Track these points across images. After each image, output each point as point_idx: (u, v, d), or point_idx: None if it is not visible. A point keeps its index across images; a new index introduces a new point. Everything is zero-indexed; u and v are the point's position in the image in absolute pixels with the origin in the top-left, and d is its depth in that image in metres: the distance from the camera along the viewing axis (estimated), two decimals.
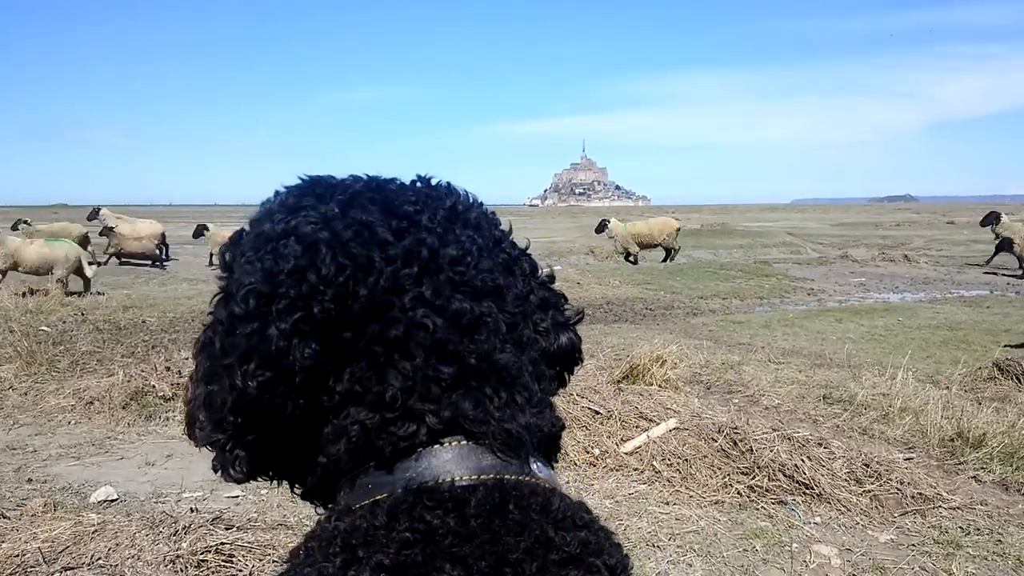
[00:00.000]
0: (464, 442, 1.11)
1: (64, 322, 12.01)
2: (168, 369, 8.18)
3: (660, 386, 7.77)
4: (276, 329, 1.05)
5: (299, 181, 1.22)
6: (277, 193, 1.21)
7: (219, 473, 1.16)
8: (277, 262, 1.07)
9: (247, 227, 1.18)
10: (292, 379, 1.08)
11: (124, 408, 7.37)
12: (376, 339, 1.08)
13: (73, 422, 7.15)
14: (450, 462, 1.09)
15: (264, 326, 1.06)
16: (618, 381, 7.88)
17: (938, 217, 66.78)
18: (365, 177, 1.23)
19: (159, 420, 7.16)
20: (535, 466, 1.15)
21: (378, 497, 1.08)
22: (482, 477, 1.09)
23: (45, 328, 11.30)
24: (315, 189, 1.18)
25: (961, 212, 75.47)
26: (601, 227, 28.21)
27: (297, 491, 1.27)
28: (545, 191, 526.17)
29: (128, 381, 7.81)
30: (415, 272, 1.12)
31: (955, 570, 4.51)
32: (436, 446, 1.10)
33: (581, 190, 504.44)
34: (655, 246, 27.64)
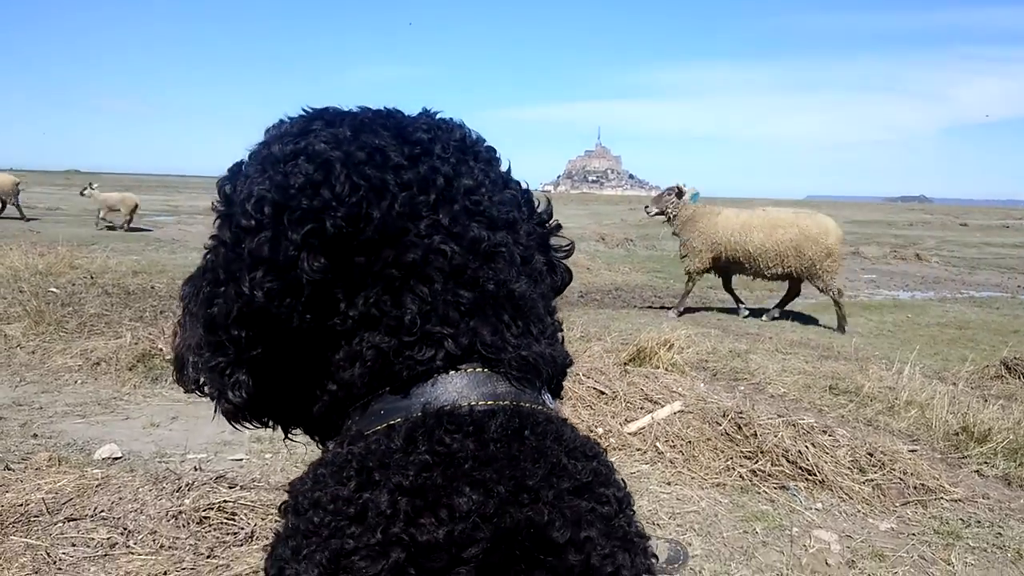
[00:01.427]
0: (481, 368, 1.11)
1: (73, 284, 12.05)
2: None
3: (666, 369, 7.77)
4: (286, 239, 1.05)
5: (304, 111, 1.21)
6: (282, 121, 1.21)
7: (216, 402, 1.16)
8: (288, 177, 1.08)
9: (246, 157, 1.17)
10: (300, 292, 1.07)
11: (130, 370, 7.40)
12: (392, 263, 1.08)
13: (79, 381, 7.18)
14: (468, 387, 1.10)
15: (274, 235, 1.05)
16: (625, 363, 7.88)
17: (951, 219, 66.46)
18: (373, 107, 1.23)
19: (165, 383, 7.18)
20: (546, 397, 1.16)
21: (393, 422, 1.08)
22: (500, 403, 1.09)
23: (54, 290, 11.33)
24: (323, 116, 1.18)
25: (975, 215, 75.18)
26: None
27: (294, 433, 1.29)
28: (558, 177, 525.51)
29: (135, 344, 7.84)
30: (431, 199, 1.12)
31: (954, 560, 4.51)
32: (453, 371, 1.10)
33: (594, 178, 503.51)
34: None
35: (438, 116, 1.24)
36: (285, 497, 1.15)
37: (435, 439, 1.05)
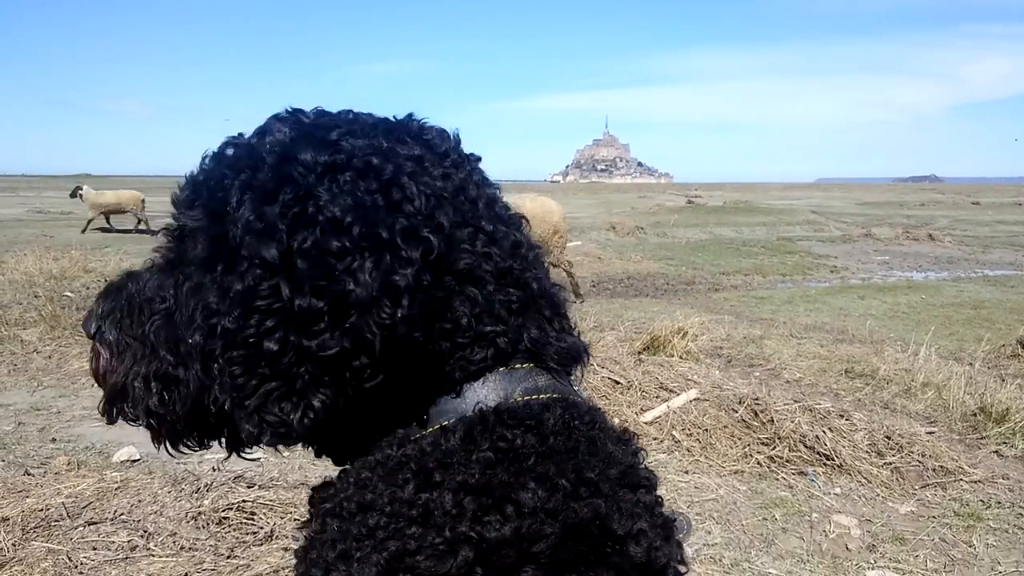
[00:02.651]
0: (530, 364, 1.15)
1: (87, 288, 12.09)
2: None
3: (681, 357, 7.75)
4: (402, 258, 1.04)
5: (317, 120, 1.19)
6: (311, 134, 1.15)
7: (259, 430, 1.07)
8: (371, 195, 1.07)
9: (317, 157, 1.11)
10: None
11: None
12: (448, 270, 1.10)
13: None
14: (521, 383, 1.13)
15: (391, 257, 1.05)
16: (639, 352, 7.87)
17: (963, 198, 66.09)
18: (374, 115, 1.23)
19: None
20: (577, 386, 1.22)
21: (445, 423, 1.10)
22: (552, 396, 1.13)
23: (69, 294, 11.39)
24: (340, 125, 1.16)
25: (987, 193, 74.79)
26: (74, 193, 27.85)
27: (304, 449, 1.25)
28: (567, 167, 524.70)
29: None
30: (470, 207, 1.15)
31: (975, 542, 4.49)
32: (503, 368, 1.13)
33: (603, 166, 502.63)
34: (123, 213, 27.33)
35: (427, 123, 1.25)
36: (304, 495, 1.15)
37: (497, 435, 1.08)
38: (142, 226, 25.77)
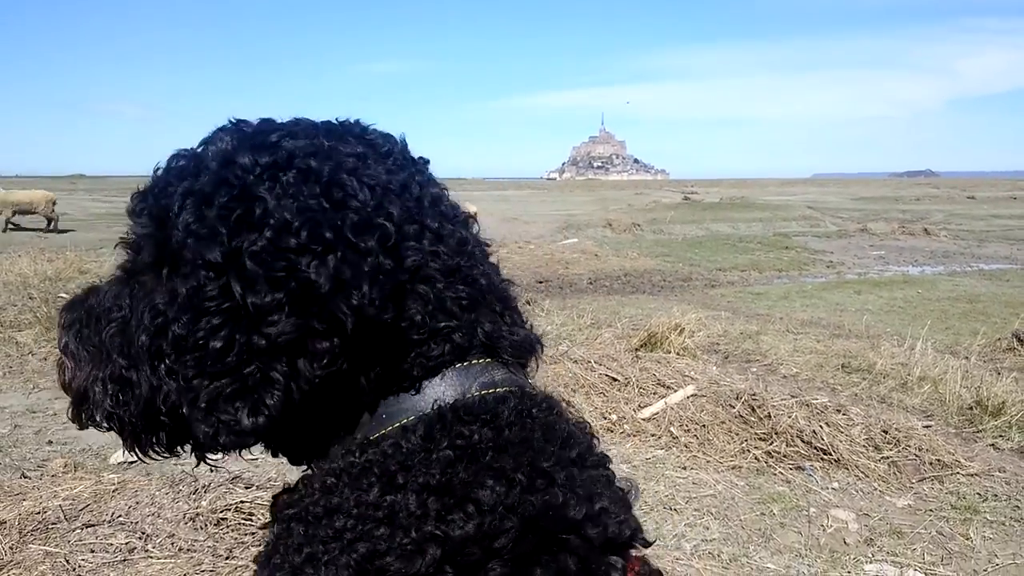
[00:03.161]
0: (486, 358, 1.17)
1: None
2: None
3: (678, 354, 7.76)
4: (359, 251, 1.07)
5: (274, 122, 1.21)
6: (257, 139, 1.17)
7: (215, 431, 1.07)
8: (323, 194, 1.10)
9: (282, 159, 1.12)
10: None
11: None
12: (398, 267, 1.11)
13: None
14: (477, 377, 1.15)
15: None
16: (636, 349, 7.88)
17: (958, 192, 66.18)
18: (313, 119, 1.25)
19: None
20: (531, 378, 1.25)
21: (405, 421, 1.12)
22: (507, 388, 1.16)
23: (64, 295, 11.36)
24: (294, 130, 1.19)
25: (982, 187, 74.91)
26: None
27: (283, 458, 1.27)
28: (563, 164, 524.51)
29: None
30: (415, 206, 1.16)
31: (972, 535, 4.50)
32: (460, 364, 1.15)
33: (599, 164, 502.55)
34: (33, 213, 27.39)
35: (371, 126, 1.27)
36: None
37: (455, 433, 1.09)
38: (51, 226, 26.29)
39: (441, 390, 1.13)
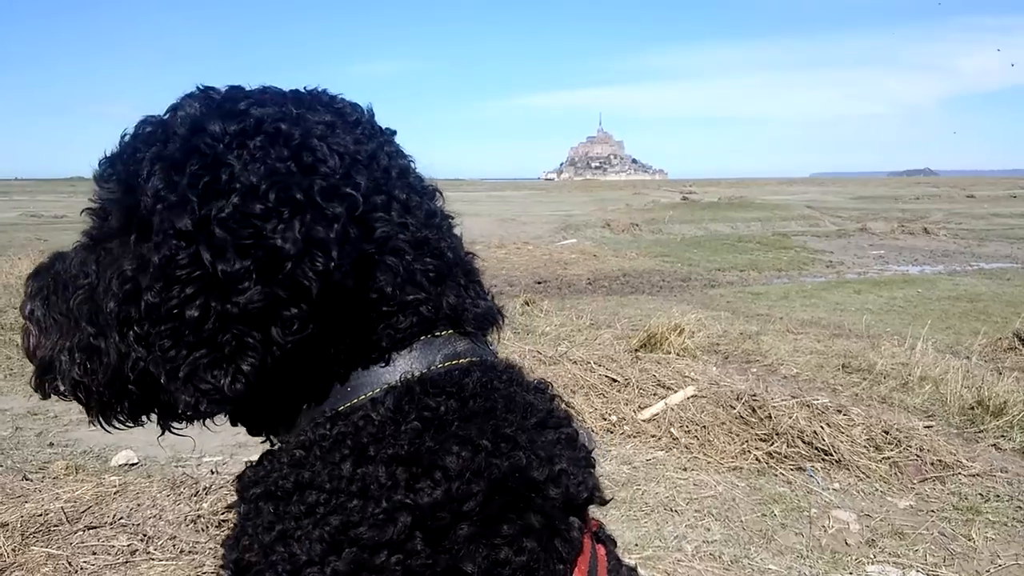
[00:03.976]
0: (450, 330, 1.21)
1: None
2: None
3: (678, 354, 7.76)
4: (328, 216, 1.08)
5: (232, 93, 1.22)
6: (234, 103, 1.18)
7: (196, 399, 1.08)
8: (294, 157, 1.12)
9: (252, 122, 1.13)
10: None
11: None
12: (365, 238, 1.14)
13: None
14: (441, 349, 1.19)
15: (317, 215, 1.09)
16: (636, 350, 7.88)
17: (958, 191, 66.19)
18: (277, 88, 1.26)
19: None
20: (493, 346, 1.30)
21: (373, 394, 1.15)
22: (471, 359, 1.20)
23: None
24: (264, 98, 1.20)
25: (981, 186, 74.94)
26: None
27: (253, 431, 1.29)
28: (561, 165, 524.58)
29: None
30: (384, 176, 1.19)
31: (974, 535, 4.50)
32: (426, 336, 1.19)
33: (597, 164, 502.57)
34: None
35: (339, 95, 1.29)
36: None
37: (422, 405, 1.12)
38: None
39: (409, 362, 1.16)
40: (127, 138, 1.22)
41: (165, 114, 1.20)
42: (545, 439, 1.17)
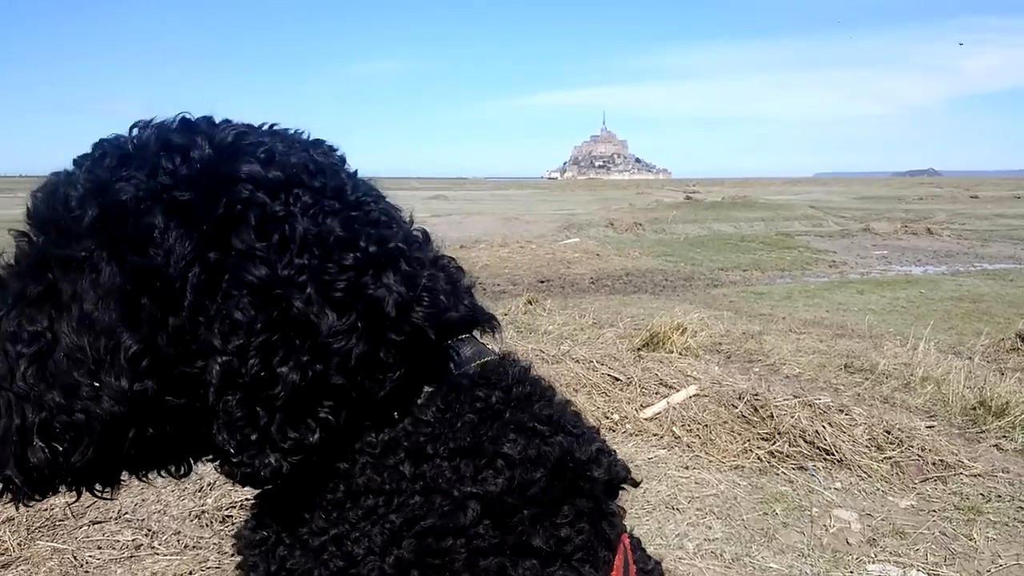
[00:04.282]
0: (468, 334, 1.26)
1: None
2: None
3: (680, 354, 7.77)
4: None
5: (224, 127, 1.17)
6: (244, 134, 1.15)
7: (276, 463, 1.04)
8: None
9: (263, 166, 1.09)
10: None
11: None
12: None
13: None
14: (470, 347, 1.24)
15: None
16: (638, 349, 7.89)
17: (962, 191, 66.03)
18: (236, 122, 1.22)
19: None
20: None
21: (418, 399, 1.17)
22: (496, 356, 1.26)
23: None
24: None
25: (985, 186, 74.80)
26: None
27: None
28: (564, 164, 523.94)
29: None
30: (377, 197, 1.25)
31: (975, 535, 4.51)
32: (460, 339, 1.24)
33: (601, 163, 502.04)
34: None
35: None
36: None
37: (473, 398, 1.16)
38: None
39: (442, 364, 1.20)
40: (99, 172, 1.10)
41: (155, 149, 1.11)
42: (576, 420, 1.23)
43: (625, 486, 1.25)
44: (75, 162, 1.15)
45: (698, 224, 29.81)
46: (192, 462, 1.23)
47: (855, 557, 4.29)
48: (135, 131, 1.15)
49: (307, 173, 1.11)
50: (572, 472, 1.13)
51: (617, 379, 6.70)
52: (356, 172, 1.23)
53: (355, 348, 1.02)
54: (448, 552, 1.03)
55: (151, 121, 1.17)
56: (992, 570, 4.18)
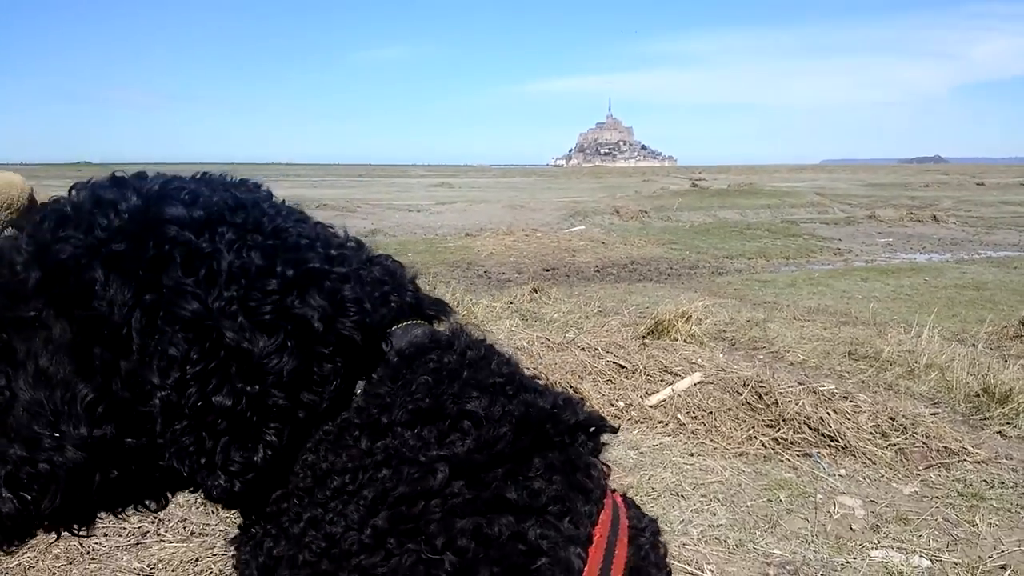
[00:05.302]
0: (417, 319, 1.30)
1: None
2: None
3: (685, 341, 7.78)
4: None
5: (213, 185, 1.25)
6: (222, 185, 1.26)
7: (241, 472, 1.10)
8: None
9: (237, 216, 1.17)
10: None
11: None
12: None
13: None
14: (417, 328, 1.28)
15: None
16: (643, 336, 7.90)
17: (968, 178, 65.79)
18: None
19: None
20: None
21: (360, 383, 1.20)
22: (445, 332, 1.30)
23: None
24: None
25: (991, 174, 74.53)
26: None
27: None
28: (570, 151, 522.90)
29: None
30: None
31: (978, 522, 4.52)
32: (397, 329, 1.26)
33: (606, 150, 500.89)
34: None
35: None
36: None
37: (425, 360, 1.20)
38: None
39: (395, 343, 1.23)
40: (42, 236, 1.14)
41: (89, 207, 1.15)
42: (530, 379, 1.26)
43: (604, 436, 1.27)
44: (16, 226, 1.21)
45: (704, 212, 29.76)
46: (169, 495, 1.28)
47: (859, 543, 4.30)
48: (72, 193, 1.21)
49: (228, 210, 1.16)
50: (537, 422, 1.15)
51: (622, 367, 6.72)
52: (282, 202, 1.29)
53: (287, 365, 1.07)
54: (421, 516, 1.04)
55: (88, 182, 1.23)
56: (994, 556, 4.19)
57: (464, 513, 1.05)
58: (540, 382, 1.30)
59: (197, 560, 3.81)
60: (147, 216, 1.12)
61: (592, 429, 1.23)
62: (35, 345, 1.12)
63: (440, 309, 1.34)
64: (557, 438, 1.16)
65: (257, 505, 1.18)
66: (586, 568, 1.08)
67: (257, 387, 1.05)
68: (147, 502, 1.26)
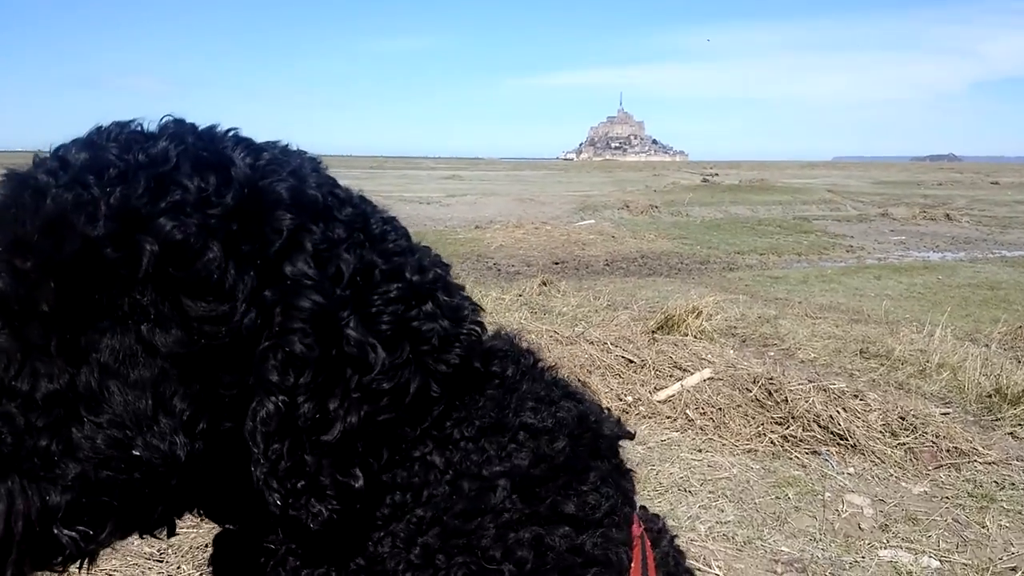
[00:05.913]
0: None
1: None
2: None
3: (695, 337, 7.76)
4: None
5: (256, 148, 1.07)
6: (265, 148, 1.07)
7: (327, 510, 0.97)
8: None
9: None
10: None
11: None
12: None
13: None
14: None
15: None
16: (653, 331, 7.88)
17: (982, 177, 65.38)
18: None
19: None
20: None
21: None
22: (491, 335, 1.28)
23: None
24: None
25: (1006, 172, 74.09)
26: None
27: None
28: (580, 145, 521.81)
29: None
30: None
31: (988, 523, 4.50)
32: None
33: (617, 144, 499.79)
34: None
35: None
36: None
37: (489, 374, 1.18)
38: None
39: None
40: (137, 202, 0.91)
41: (184, 166, 0.95)
42: (569, 383, 1.27)
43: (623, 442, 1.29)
44: (81, 172, 0.95)
45: (715, 207, 29.66)
46: (175, 521, 1.15)
47: (867, 542, 4.29)
48: (139, 140, 0.99)
49: (334, 197, 1.05)
50: (591, 436, 1.16)
51: (631, 361, 6.70)
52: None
53: (412, 383, 0.97)
54: (475, 532, 1.01)
55: (164, 123, 1.02)
56: (1004, 558, 4.17)
57: (521, 526, 1.03)
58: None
59: (207, 546, 3.82)
60: (260, 191, 0.96)
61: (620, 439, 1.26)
62: (125, 342, 0.92)
63: (475, 309, 1.24)
64: (607, 450, 1.18)
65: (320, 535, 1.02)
66: (632, 566, 1.13)
67: (371, 406, 0.94)
68: (158, 529, 1.13)
